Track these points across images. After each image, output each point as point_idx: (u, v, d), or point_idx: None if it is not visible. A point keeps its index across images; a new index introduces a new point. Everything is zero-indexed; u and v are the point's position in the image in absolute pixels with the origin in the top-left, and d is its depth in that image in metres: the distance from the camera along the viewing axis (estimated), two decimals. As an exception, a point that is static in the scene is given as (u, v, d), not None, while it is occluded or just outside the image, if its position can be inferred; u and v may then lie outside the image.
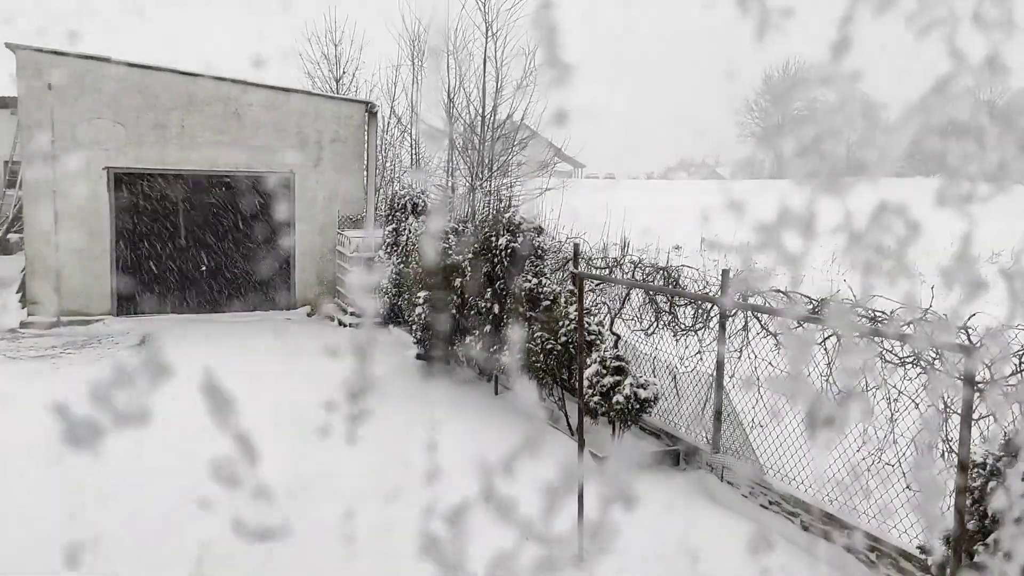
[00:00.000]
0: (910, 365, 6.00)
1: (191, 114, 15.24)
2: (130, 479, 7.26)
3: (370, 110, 16.48)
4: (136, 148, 15.01)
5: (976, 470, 3.97)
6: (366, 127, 16.45)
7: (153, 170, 15.23)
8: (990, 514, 3.88)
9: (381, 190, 18.63)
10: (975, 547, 3.88)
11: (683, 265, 9.38)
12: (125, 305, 15.39)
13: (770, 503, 6.65)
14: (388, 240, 13.83)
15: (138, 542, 6.03)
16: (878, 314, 6.33)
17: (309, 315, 16.11)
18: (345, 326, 14.75)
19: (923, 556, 4.37)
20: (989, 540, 3.85)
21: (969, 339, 5.39)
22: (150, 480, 7.17)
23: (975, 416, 4.08)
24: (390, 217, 14.68)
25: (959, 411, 5.51)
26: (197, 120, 15.28)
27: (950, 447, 5.65)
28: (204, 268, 15.78)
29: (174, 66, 15.02)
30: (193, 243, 15.75)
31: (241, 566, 5.68)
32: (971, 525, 3.90)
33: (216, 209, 15.82)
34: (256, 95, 15.61)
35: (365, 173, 16.57)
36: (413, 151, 21.65)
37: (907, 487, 6.02)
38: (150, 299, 15.54)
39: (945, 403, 5.71)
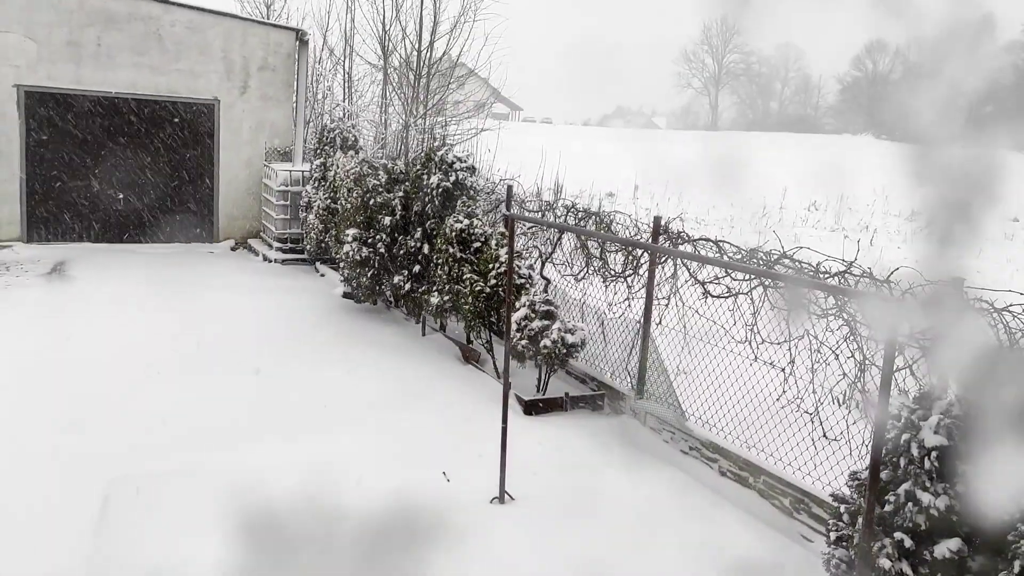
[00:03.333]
0: (832, 317, 6.08)
1: (109, 32, 14.40)
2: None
3: (301, 38, 15.84)
4: (49, 66, 14.16)
5: (891, 422, 4.03)
6: (296, 56, 15.82)
7: (68, 91, 14.40)
8: (902, 465, 3.95)
9: (311, 123, 18.04)
10: (886, 496, 3.96)
11: (615, 211, 9.32)
12: (36, 232, 14.67)
13: (690, 448, 6.74)
14: (316, 175, 13.42)
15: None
16: (804, 266, 6.39)
17: (233, 249, 15.64)
18: (270, 262, 14.36)
19: (836, 504, 4.45)
20: (899, 490, 3.92)
21: (891, 292, 5.46)
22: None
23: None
24: (319, 151, 14.24)
25: (877, 363, 5.62)
26: (115, 39, 14.45)
27: (866, 397, 5.77)
28: (122, 196, 15.11)
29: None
30: (111, 169, 15.02)
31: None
32: (884, 475, 3.96)
33: (136, 135, 15.09)
34: (179, 15, 14.83)
35: (294, 104, 16.00)
36: (346, 84, 20.99)
37: (823, 435, 6.16)
38: (64, 226, 14.84)
39: (864, 355, 5.82)
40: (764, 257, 6.72)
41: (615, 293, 8.67)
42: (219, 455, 6.29)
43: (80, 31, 14.23)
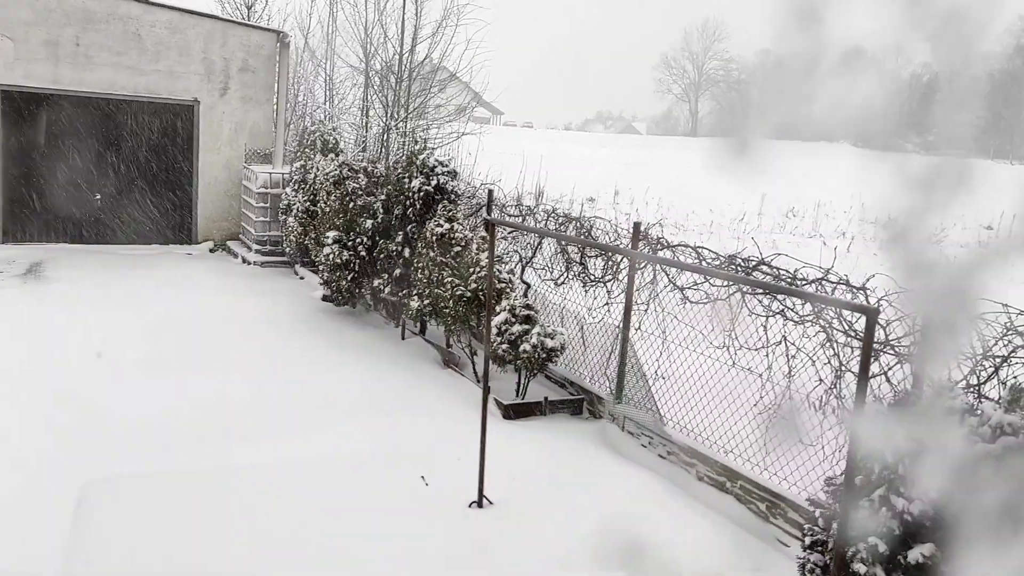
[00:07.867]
0: (809, 323, 6.14)
1: (87, 32, 14.29)
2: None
3: (282, 40, 15.79)
4: (26, 65, 14.02)
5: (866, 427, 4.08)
6: (277, 58, 15.77)
7: (45, 90, 14.27)
8: (877, 470, 3.99)
9: (292, 125, 17.97)
10: (861, 501, 4.00)
11: (596, 216, 9.36)
12: (12, 232, 14.53)
13: (668, 453, 6.77)
14: (296, 177, 13.38)
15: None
16: (781, 272, 6.45)
17: (211, 251, 15.55)
18: (249, 264, 14.29)
19: (811, 508, 4.50)
20: (874, 495, 3.97)
21: (867, 299, 5.53)
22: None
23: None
24: (299, 153, 14.20)
25: (853, 369, 5.68)
26: (94, 39, 14.34)
27: (842, 403, 5.83)
28: (100, 196, 14.98)
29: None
30: (89, 170, 14.89)
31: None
32: (859, 480, 4.01)
33: (114, 135, 14.97)
34: (159, 15, 14.74)
35: (275, 106, 15.93)
36: (327, 87, 20.93)
37: (799, 441, 6.21)
38: (41, 227, 14.69)
39: (840, 361, 5.88)
40: (743, 263, 6.77)
41: (595, 298, 8.70)
42: (183, 457, 6.26)
43: (58, 30, 14.11)
